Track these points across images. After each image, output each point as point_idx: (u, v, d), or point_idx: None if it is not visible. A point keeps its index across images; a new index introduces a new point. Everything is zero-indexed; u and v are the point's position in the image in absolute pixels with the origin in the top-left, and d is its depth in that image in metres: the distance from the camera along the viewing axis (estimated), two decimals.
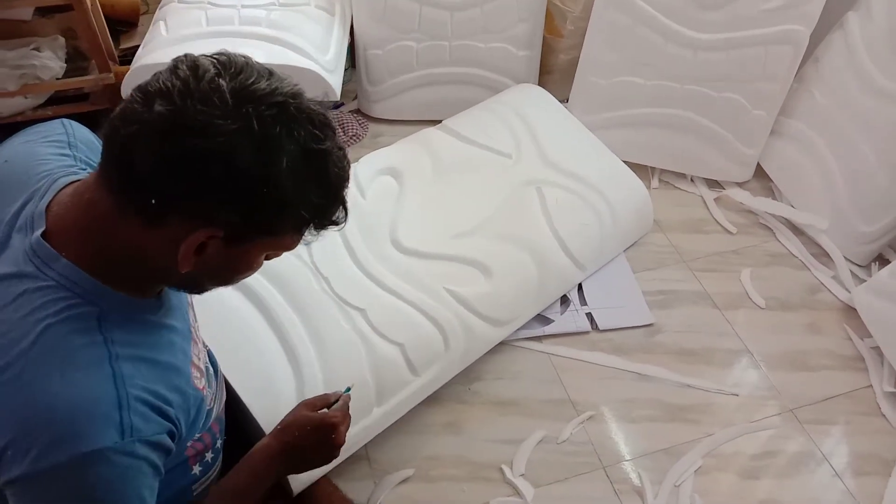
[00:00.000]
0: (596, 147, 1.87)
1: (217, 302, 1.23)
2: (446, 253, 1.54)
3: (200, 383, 0.85)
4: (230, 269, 0.76)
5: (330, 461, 1.05)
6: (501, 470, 1.42)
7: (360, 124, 2.26)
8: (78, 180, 0.75)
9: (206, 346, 1.02)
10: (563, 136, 1.86)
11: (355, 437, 1.31)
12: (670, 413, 1.54)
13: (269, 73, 0.69)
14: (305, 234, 0.75)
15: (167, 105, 0.63)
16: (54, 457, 0.65)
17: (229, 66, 0.67)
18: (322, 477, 1.28)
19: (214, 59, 0.68)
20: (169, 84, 0.65)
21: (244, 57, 0.69)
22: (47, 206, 0.72)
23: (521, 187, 1.70)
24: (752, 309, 1.78)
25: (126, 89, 1.82)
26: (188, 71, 0.65)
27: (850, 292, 1.79)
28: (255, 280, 1.33)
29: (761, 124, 2.02)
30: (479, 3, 2.08)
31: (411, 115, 2.29)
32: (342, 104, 2.32)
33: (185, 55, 0.68)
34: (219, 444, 0.97)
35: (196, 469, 0.91)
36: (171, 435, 0.75)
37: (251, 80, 0.66)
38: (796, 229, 1.98)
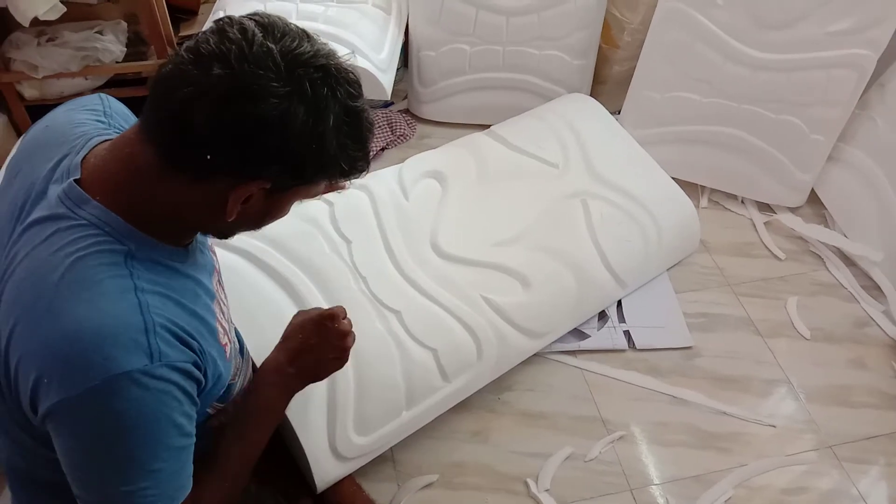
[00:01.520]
0: (646, 162, 1.84)
1: (255, 293, 1.25)
2: (485, 260, 1.53)
3: (223, 339, 0.86)
4: (266, 217, 0.80)
5: (342, 358, 1.02)
6: (526, 483, 1.41)
7: (408, 124, 2.26)
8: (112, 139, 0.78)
9: (233, 325, 1.03)
10: (612, 150, 1.83)
11: (382, 438, 1.31)
12: (703, 440, 1.51)
13: (306, 34, 0.72)
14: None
15: (226, 69, 0.66)
16: (85, 381, 0.67)
17: (272, 28, 0.70)
18: (346, 476, 1.29)
19: (255, 20, 0.70)
20: (223, 48, 0.67)
21: (280, 18, 0.72)
22: (83, 160, 0.75)
23: (566, 199, 1.68)
24: (796, 339, 1.73)
25: None
26: (238, 34, 0.68)
27: None
28: (294, 275, 1.34)
29: (818, 149, 1.96)
30: (536, 10, 2.07)
31: (460, 118, 2.28)
32: (392, 103, 2.33)
33: (229, 17, 0.71)
34: None
35: None
36: (197, 368, 0.76)
37: (296, 44, 0.69)
38: (847, 260, 1.92)
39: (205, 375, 0.79)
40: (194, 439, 0.78)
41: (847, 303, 1.83)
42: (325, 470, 1.24)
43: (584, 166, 1.77)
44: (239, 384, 0.98)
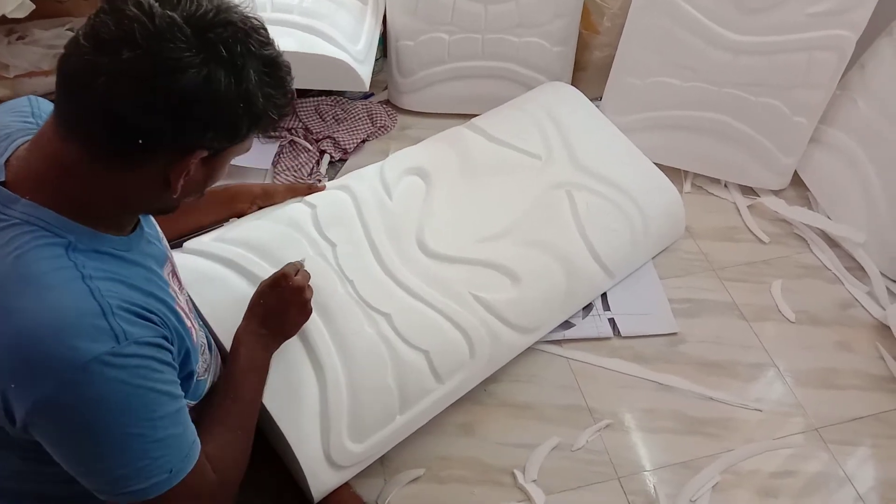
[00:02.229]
0: (629, 150, 1.83)
1: (239, 302, 1.20)
2: (473, 257, 1.51)
3: (187, 322, 0.85)
4: (207, 182, 0.80)
5: (305, 311, 1.11)
6: (514, 474, 1.40)
7: (388, 115, 2.24)
8: None
9: (202, 326, 1.02)
10: (594, 139, 1.81)
11: (377, 444, 1.29)
12: (690, 425, 1.51)
13: None
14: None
15: (135, 50, 0.64)
16: (55, 376, 0.65)
17: None
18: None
19: None
20: (125, 28, 0.65)
21: None
22: (6, 162, 0.73)
23: (551, 190, 1.67)
24: (781, 322, 1.73)
25: None
26: (136, 10, 0.65)
27: (884, 310, 1.74)
28: None
29: (801, 132, 1.95)
30: None
31: (441, 107, 2.26)
32: (372, 94, 2.30)
33: None
34: None
35: None
36: (167, 340, 0.76)
37: (195, 6, 0.68)
38: (832, 241, 1.92)
39: (174, 349, 0.78)
40: (184, 402, 0.78)
41: (831, 285, 1.83)
42: (322, 480, 1.21)
43: (567, 156, 1.75)
44: (209, 381, 0.97)
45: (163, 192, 0.74)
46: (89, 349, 0.66)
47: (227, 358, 1.04)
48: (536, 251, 1.56)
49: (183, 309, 0.86)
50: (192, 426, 0.80)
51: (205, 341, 0.98)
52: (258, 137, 0.80)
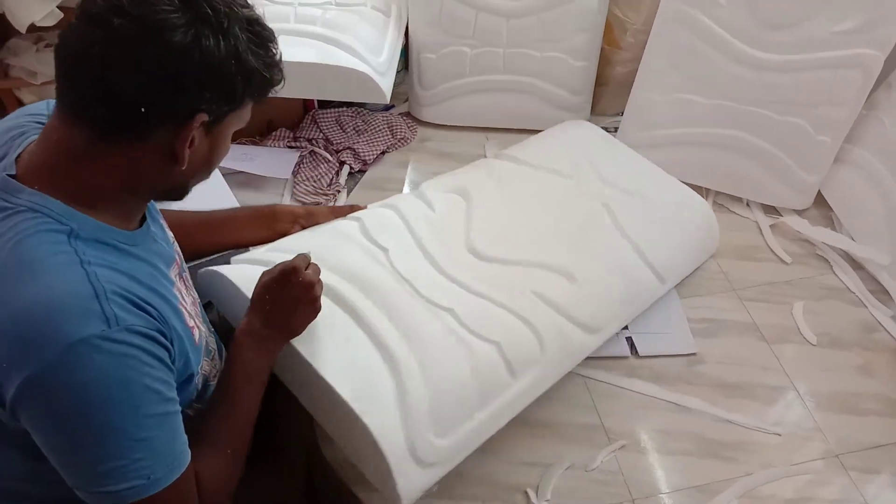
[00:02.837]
0: (656, 172, 1.81)
1: None
2: (527, 259, 1.47)
3: (190, 322, 0.85)
4: (212, 157, 0.81)
5: (314, 308, 1.01)
6: (526, 493, 1.39)
7: (409, 127, 2.25)
8: None
9: (212, 331, 1.01)
10: (621, 163, 1.79)
11: (461, 442, 1.21)
12: (707, 448, 1.48)
13: None
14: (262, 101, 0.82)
15: (124, 17, 0.67)
16: (43, 356, 0.65)
17: None
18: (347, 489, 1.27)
19: None
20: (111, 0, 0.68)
21: None
22: (17, 158, 0.75)
23: (589, 203, 1.64)
24: (802, 344, 1.70)
25: None
26: None
27: None
28: (341, 285, 1.23)
29: (824, 151, 1.93)
30: (536, 11, 2.05)
31: (461, 121, 2.27)
32: (392, 106, 2.31)
33: None
34: None
35: None
36: (163, 336, 0.74)
37: None
38: (855, 263, 1.89)
39: (172, 347, 0.77)
40: (176, 406, 0.76)
41: (854, 307, 1.79)
42: (411, 479, 1.13)
43: (597, 177, 1.73)
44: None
45: (170, 166, 0.75)
46: (78, 330, 0.66)
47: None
48: (588, 256, 1.52)
49: (187, 310, 0.86)
50: (184, 436, 0.77)
51: (215, 347, 0.98)
52: (253, 99, 0.80)
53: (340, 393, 1.06)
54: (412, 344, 1.20)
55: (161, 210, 1.00)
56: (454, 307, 1.30)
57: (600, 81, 2.26)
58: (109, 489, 0.70)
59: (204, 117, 0.73)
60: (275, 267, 0.98)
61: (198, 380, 0.88)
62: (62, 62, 0.70)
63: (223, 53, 0.71)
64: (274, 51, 0.79)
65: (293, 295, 0.97)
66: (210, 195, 1.56)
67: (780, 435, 1.52)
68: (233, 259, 1.25)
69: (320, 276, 1.04)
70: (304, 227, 1.32)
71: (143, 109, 0.69)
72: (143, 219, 0.84)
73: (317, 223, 1.33)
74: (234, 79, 0.73)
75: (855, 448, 1.50)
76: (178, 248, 0.97)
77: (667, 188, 1.78)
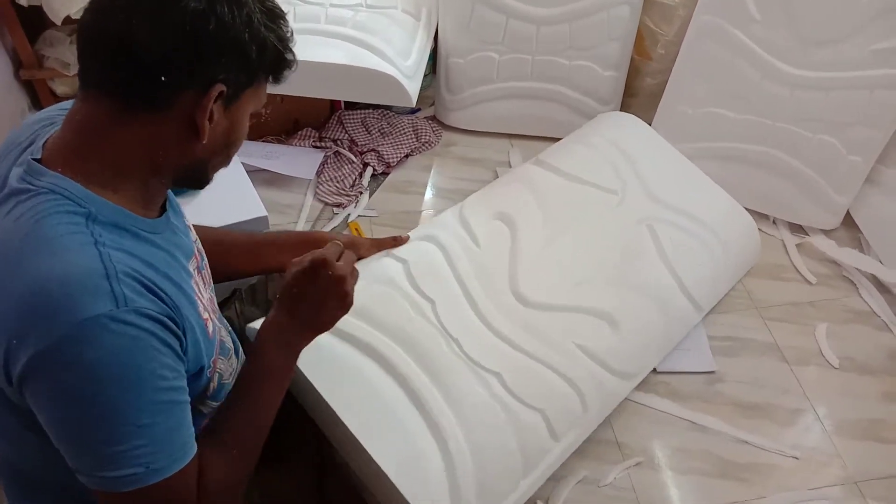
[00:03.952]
0: (698, 178, 1.78)
1: (345, 370, 1.17)
2: (569, 304, 1.45)
3: (204, 314, 0.84)
4: (232, 136, 0.80)
5: (345, 303, 0.94)
6: None
7: (434, 131, 2.24)
8: None
9: (229, 330, 1.01)
10: (665, 169, 1.76)
11: None
12: (723, 469, 1.46)
13: None
14: (275, 82, 0.82)
15: None
16: (53, 331, 0.66)
17: None
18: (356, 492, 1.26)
19: None
20: None
21: None
22: (44, 143, 0.76)
23: (633, 226, 1.62)
24: (824, 367, 1.67)
25: None
26: None
27: None
28: (385, 345, 1.22)
29: (855, 171, 1.89)
30: (567, 20, 2.03)
31: (487, 126, 2.26)
32: (418, 109, 2.31)
33: None
34: None
35: None
36: (174, 323, 0.74)
37: None
38: (882, 287, 1.85)
39: (184, 336, 0.76)
40: (184, 395, 0.75)
41: (880, 332, 1.76)
42: None
43: (642, 189, 1.70)
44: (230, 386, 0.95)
45: (190, 140, 0.75)
46: (87, 308, 0.66)
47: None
48: (629, 291, 1.51)
49: (203, 303, 0.86)
50: (191, 428, 0.76)
51: (231, 346, 0.98)
52: (268, 76, 0.81)
53: (386, 471, 1.06)
54: (460, 415, 1.19)
55: (202, 227, 1.01)
56: (501, 371, 1.29)
57: (629, 92, 2.24)
58: (107, 474, 0.70)
59: (222, 88, 0.73)
60: (304, 257, 0.92)
61: (210, 373, 0.86)
62: (85, 36, 0.72)
63: (237, 21, 0.72)
64: (285, 28, 0.80)
65: (323, 288, 0.91)
66: (234, 192, 1.58)
67: (797, 458, 1.49)
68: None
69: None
70: None
71: (163, 78, 0.70)
72: (164, 209, 0.84)
73: (359, 254, 1.30)
74: (248, 47, 0.74)
75: (876, 476, 1.47)
76: (200, 246, 0.96)
77: (712, 201, 1.75)
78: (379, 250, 1.35)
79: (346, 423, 1.08)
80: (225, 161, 0.84)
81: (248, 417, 0.88)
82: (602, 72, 2.12)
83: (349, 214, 1.96)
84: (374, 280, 1.30)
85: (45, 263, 0.68)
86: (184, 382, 0.75)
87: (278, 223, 1.92)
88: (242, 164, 1.68)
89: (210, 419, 0.88)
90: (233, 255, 1.17)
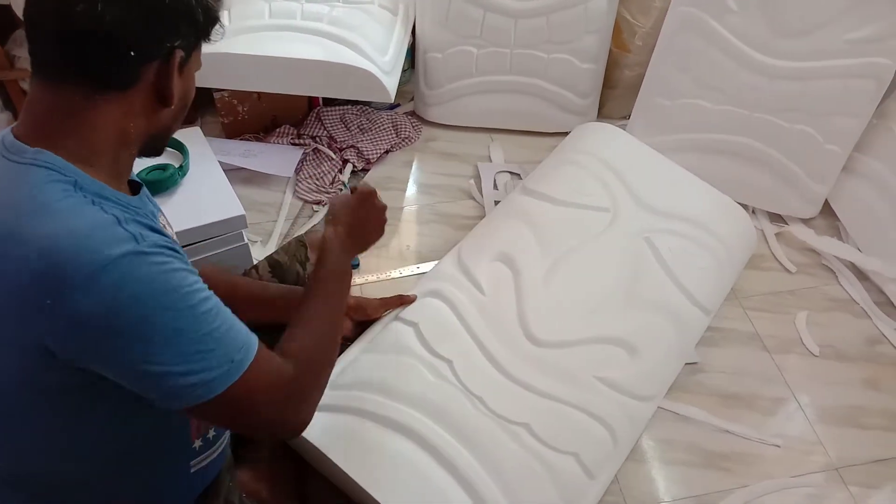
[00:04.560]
0: (685, 179, 1.79)
1: (377, 450, 1.17)
2: (584, 336, 1.45)
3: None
4: (186, 98, 0.84)
5: (381, 229, 1.11)
6: None
7: (413, 127, 2.23)
8: None
9: None
10: (651, 176, 1.76)
11: None
12: (706, 458, 1.47)
13: None
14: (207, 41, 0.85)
15: None
16: (86, 283, 0.67)
17: None
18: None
19: None
20: None
21: None
22: (11, 131, 0.77)
23: (631, 242, 1.61)
24: (805, 356, 1.68)
25: None
26: None
27: None
28: (416, 420, 1.21)
29: (833, 160, 1.91)
30: (545, 13, 2.03)
31: (466, 121, 2.25)
32: (398, 105, 2.30)
33: None
34: None
35: (197, 443, 0.92)
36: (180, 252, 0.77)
37: None
38: (861, 274, 1.87)
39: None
40: (221, 303, 0.78)
41: (859, 319, 1.77)
42: None
43: (633, 202, 1.70)
44: None
45: (158, 109, 0.79)
46: (112, 251, 0.68)
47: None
48: (639, 312, 1.50)
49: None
50: (241, 323, 0.80)
51: None
52: (205, 39, 0.83)
53: None
54: (497, 478, 1.18)
55: (217, 267, 1.11)
56: (528, 421, 1.28)
57: (608, 84, 2.24)
58: (199, 387, 0.73)
59: (181, 54, 0.77)
60: (354, 189, 1.08)
61: None
62: (41, 26, 0.73)
63: None
64: None
65: (370, 214, 1.08)
66: (212, 191, 1.56)
67: (779, 447, 1.50)
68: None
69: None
70: (352, 319, 1.33)
71: (132, 54, 0.73)
72: (136, 189, 0.86)
73: (366, 315, 1.35)
74: (196, 11, 0.77)
75: (856, 462, 1.48)
76: (170, 225, 0.98)
77: (702, 199, 1.75)
78: (385, 309, 1.38)
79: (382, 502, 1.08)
80: (179, 122, 0.87)
81: (329, 304, 0.97)
82: (580, 64, 2.12)
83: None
84: (388, 350, 1.30)
85: (50, 226, 0.68)
86: (210, 290, 0.78)
87: (257, 221, 1.91)
88: (220, 162, 1.66)
89: (293, 315, 0.93)
90: (241, 304, 1.17)
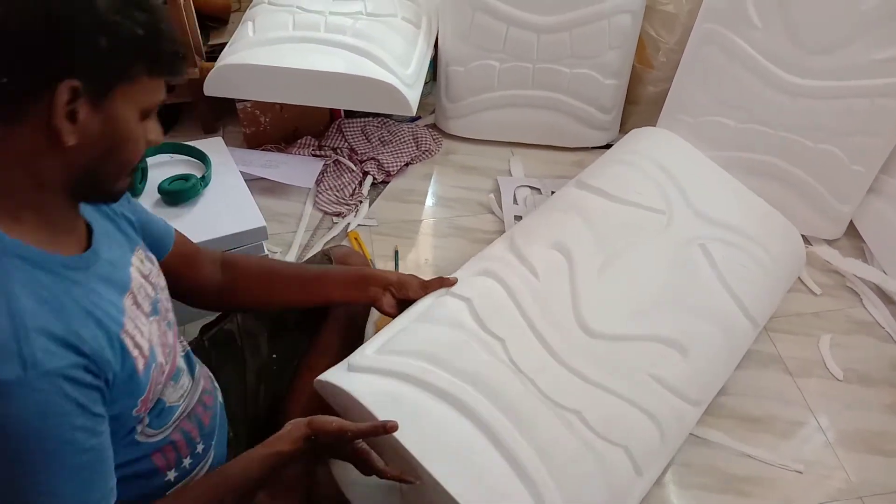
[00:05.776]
0: (738, 190, 1.78)
1: (427, 419, 1.14)
2: (637, 333, 1.44)
3: (134, 352, 0.79)
4: (112, 139, 0.72)
5: (352, 460, 0.98)
6: None
7: (434, 139, 2.23)
8: None
9: (185, 346, 0.99)
10: (705, 183, 1.75)
11: None
12: (725, 482, 1.45)
13: None
14: (160, 76, 0.74)
15: None
16: None
17: None
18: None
19: None
20: None
21: None
22: None
23: (685, 247, 1.60)
24: (828, 379, 1.65)
25: (209, 87, 1.85)
26: None
27: None
28: (464, 391, 1.18)
29: (858, 180, 1.88)
30: (568, 28, 2.03)
31: (487, 134, 2.25)
32: (418, 118, 2.30)
33: None
34: (199, 449, 0.94)
35: (170, 475, 0.89)
36: (92, 374, 0.70)
37: None
38: (886, 297, 1.84)
39: (106, 384, 0.72)
40: (99, 453, 0.72)
41: (884, 343, 1.74)
42: None
43: (688, 207, 1.68)
44: (182, 408, 0.91)
45: (56, 148, 0.68)
46: None
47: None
48: (692, 317, 1.49)
49: (133, 338, 0.79)
50: (106, 481, 0.73)
51: (185, 367, 0.95)
52: (147, 70, 0.72)
53: None
54: (550, 465, 1.16)
55: (251, 256, 0.99)
56: (580, 409, 1.27)
57: (631, 100, 2.23)
58: None
59: (73, 84, 0.66)
60: (333, 419, 0.93)
61: (137, 412, 0.81)
62: None
63: (74, 9, 0.66)
64: (143, 14, 0.70)
65: (343, 452, 0.96)
66: (233, 203, 1.57)
67: (801, 472, 1.47)
68: (350, 362, 1.18)
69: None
70: (394, 296, 1.26)
71: (4, 80, 0.64)
72: (89, 244, 0.79)
73: (406, 295, 1.28)
74: (93, 38, 0.67)
75: (880, 490, 1.45)
76: (157, 279, 0.91)
77: (755, 212, 1.74)
78: (426, 292, 1.31)
79: (435, 475, 1.05)
80: (121, 168, 0.76)
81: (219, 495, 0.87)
82: (603, 80, 2.11)
83: (349, 223, 1.95)
84: (441, 322, 1.27)
85: None
86: (101, 438, 0.72)
87: (277, 232, 1.91)
88: (241, 172, 1.67)
89: (150, 493, 0.86)
90: (282, 287, 1.16)
